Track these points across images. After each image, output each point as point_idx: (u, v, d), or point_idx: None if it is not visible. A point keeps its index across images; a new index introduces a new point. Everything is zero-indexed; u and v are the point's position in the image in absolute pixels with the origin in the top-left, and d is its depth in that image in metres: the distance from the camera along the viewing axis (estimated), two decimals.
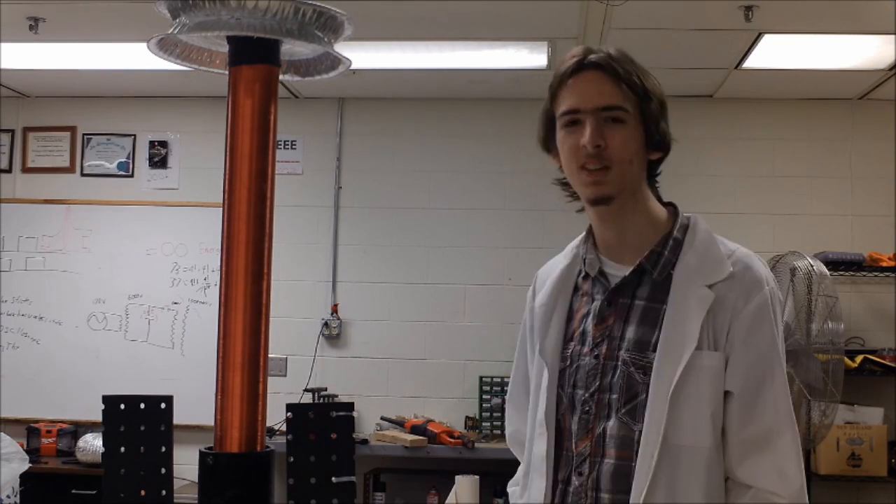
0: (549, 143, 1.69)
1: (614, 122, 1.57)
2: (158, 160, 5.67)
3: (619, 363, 1.58)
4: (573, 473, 1.60)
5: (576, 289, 1.70)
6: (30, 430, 5.36)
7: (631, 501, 1.52)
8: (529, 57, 4.70)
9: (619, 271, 1.64)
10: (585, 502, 1.57)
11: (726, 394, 1.55)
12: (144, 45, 1.45)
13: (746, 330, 1.56)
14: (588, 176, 1.58)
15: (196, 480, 1.38)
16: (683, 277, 1.59)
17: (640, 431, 1.54)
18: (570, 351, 1.64)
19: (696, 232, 1.64)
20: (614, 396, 1.57)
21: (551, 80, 1.65)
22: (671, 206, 1.70)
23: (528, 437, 1.69)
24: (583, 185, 1.60)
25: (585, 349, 1.62)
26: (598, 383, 1.59)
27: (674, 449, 1.52)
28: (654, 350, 1.56)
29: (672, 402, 1.52)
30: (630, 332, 1.59)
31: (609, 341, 1.60)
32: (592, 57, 1.60)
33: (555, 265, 1.78)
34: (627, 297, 1.62)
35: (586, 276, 1.68)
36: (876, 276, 5.11)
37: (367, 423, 5.31)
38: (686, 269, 1.60)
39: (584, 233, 1.74)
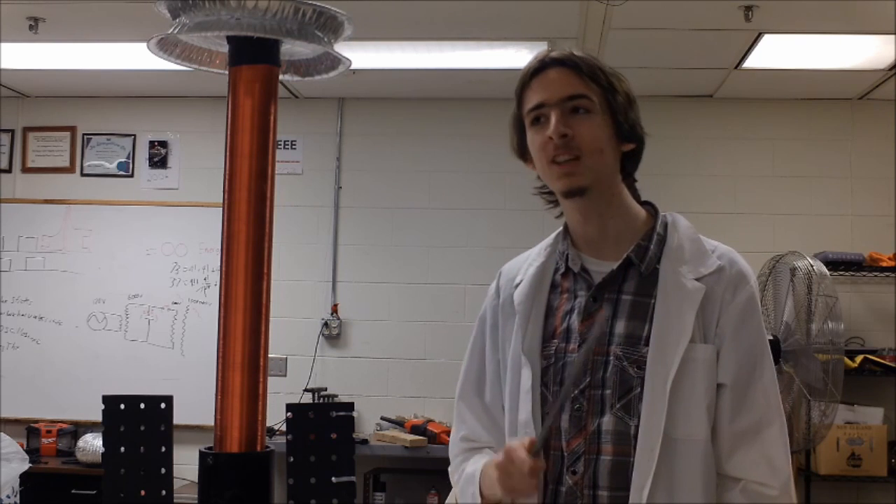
0: (522, 150, 1.70)
1: (580, 111, 1.58)
2: (158, 160, 5.67)
3: (612, 358, 1.57)
4: (566, 473, 1.58)
5: (552, 286, 1.69)
6: (30, 430, 5.36)
7: (632, 497, 1.52)
8: (529, 57, 4.67)
9: (600, 267, 1.64)
10: (581, 501, 1.56)
11: (718, 386, 1.56)
12: (144, 45, 1.45)
13: (735, 323, 1.57)
14: (559, 168, 1.58)
15: (196, 480, 1.38)
16: (671, 271, 1.60)
17: (636, 426, 1.53)
18: (553, 349, 1.63)
19: (677, 228, 1.66)
20: (608, 392, 1.56)
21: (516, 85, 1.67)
22: (649, 205, 1.71)
23: (509, 438, 1.65)
24: (556, 179, 1.60)
25: (572, 346, 1.61)
26: (588, 379, 1.58)
27: (672, 442, 1.52)
28: (646, 344, 1.55)
29: (670, 396, 1.52)
30: (619, 327, 1.58)
31: (598, 337, 1.59)
32: (554, 54, 1.62)
33: (521, 264, 1.77)
34: (614, 291, 1.61)
35: (565, 273, 1.67)
36: (876, 276, 5.11)
37: (367, 423, 5.31)
38: (673, 262, 1.60)
39: (557, 231, 1.74)
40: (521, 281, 1.72)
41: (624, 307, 1.60)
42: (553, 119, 1.57)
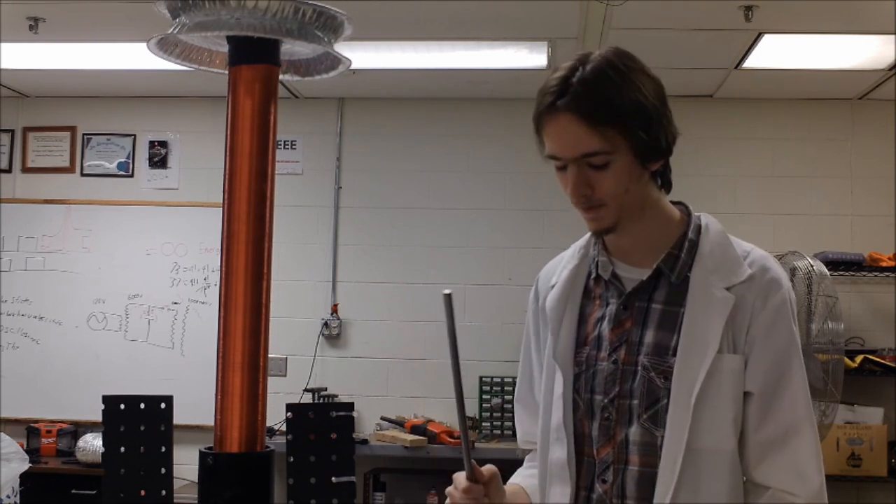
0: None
1: (597, 166, 1.51)
2: (158, 160, 5.67)
3: (640, 368, 1.56)
4: (596, 481, 1.58)
5: (585, 291, 1.66)
6: (30, 430, 5.36)
7: None
8: (529, 57, 4.70)
9: (632, 274, 1.61)
10: None
11: (746, 394, 1.54)
12: (144, 45, 1.45)
13: (765, 330, 1.54)
14: (585, 212, 1.56)
15: (196, 480, 1.38)
16: (702, 280, 1.57)
17: (663, 437, 1.52)
18: (584, 356, 1.61)
19: (709, 233, 1.62)
20: (635, 402, 1.55)
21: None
22: (681, 206, 1.67)
23: (541, 443, 1.66)
24: (584, 219, 1.58)
25: (602, 354, 1.59)
26: (617, 389, 1.57)
27: (697, 454, 1.51)
28: (674, 354, 1.54)
29: (695, 407, 1.51)
30: (648, 337, 1.56)
31: (628, 346, 1.57)
32: (561, 102, 1.49)
33: (556, 266, 1.74)
34: (644, 300, 1.59)
35: (597, 278, 1.65)
36: (876, 276, 5.10)
37: (367, 423, 5.31)
38: (704, 271, 1.58)
39: (589, 234, 1.69)
40: (555, 283, 1.70)
41: (653, 316, 1.58)
42: (571, 177, 1.52)
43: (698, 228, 1.63)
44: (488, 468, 1.57)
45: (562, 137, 1.51)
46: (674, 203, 1.66)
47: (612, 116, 1.48)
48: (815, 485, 1.54)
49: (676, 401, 1.52)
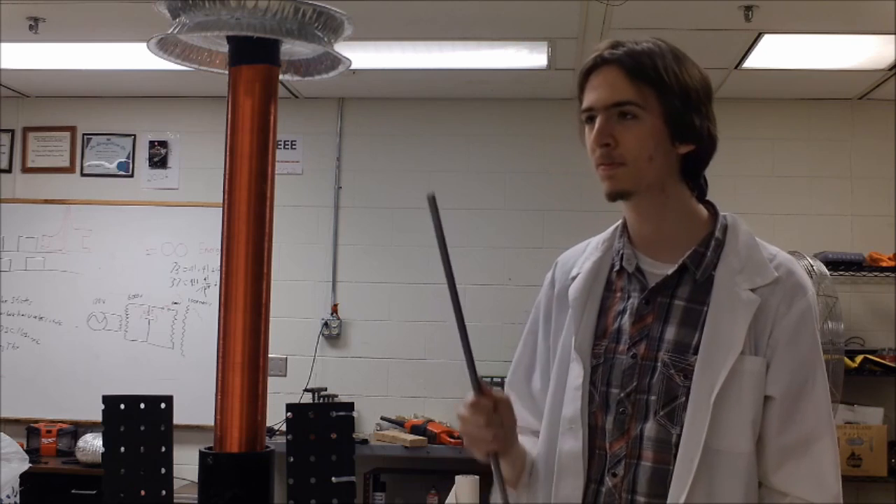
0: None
1: (627, 117, 1.52)
2: (158, 160, 5.67)
3: (659, 364, 1.55)
4: (607, 474, 1.57)
5: (607, 283, 1.65)
6: (30, 430, 5.36)
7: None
8: (529, 57, 4.70)
9: (656, 269, 1.60)
10: None
11: (766, 398, 1.53)
12: (144, 45, 1.45)
13: (789, 335, 1.53)
14: (603, 171, 1.55)
15: (196, 480, 1.38)
16: (727, 279, 1.56)
17: (678, 434, 1.51)
18: (602, 348, 1.60)
19: (737, 233, 1.61)
20: (653, 398, 1.54)
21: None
22: (709, 204, 1.66)
23: (548, 433, 1.64)
24: (601, 180, 1.57)
25: (621, 347, 1.58)
26: (635, 383, 1.56)
27: (714, 454, 1.50)
28: (695, 353, 1.53)
29: (715, 407, 1.50)
30: (670, 333, 1.56)
31: (648, 341, 1.57)
32: (608, 53, 1.55)
33: (576, 256, 1.73)
34: (667, 296, 1.58)
35: (620, 271, 1.64)
36: (876, 276, 5.11)
37: (367, 423, 5.31)
38: (729, 271, 1.57)
39: (615, 226, 1.69)
40: (577, 274, 1.69)
41: (676, 313, 1.57)
42: (596, 126, 1.54)
43: (725, 228, 1.62)
44: (499, 391, 1.55)
45: (599, 87, 1.55)
46: (703, 202, 1.66)
47: (654, 77, 1.53)
48: (834, 492, 1.52)
49: (696, 400, 1.51)
